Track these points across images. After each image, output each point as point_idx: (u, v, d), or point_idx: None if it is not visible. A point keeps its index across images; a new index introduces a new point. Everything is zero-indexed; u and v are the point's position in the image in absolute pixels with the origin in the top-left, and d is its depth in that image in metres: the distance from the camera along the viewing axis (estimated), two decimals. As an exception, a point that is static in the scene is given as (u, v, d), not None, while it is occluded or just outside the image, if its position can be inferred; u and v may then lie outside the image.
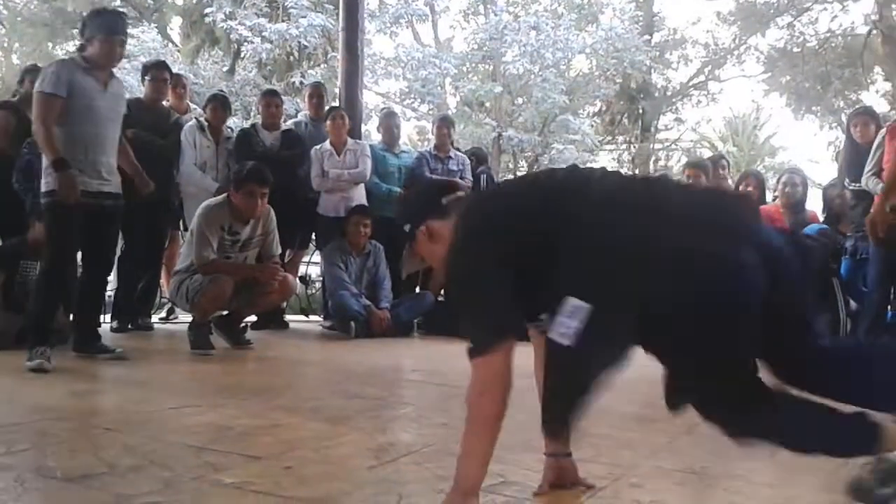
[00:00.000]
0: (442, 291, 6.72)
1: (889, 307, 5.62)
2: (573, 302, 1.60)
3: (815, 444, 1.79)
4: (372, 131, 13.84)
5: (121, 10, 4.24)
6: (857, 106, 10.49)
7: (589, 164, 18.71)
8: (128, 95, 4.87)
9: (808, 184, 6.97)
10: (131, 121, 5.51)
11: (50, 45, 20.35)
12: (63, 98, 3.87)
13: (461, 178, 6.76)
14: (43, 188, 3.94)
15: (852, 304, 5.73)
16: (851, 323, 5.69)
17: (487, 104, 19.21)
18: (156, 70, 5.90)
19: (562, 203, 1.73)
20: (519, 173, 18.43)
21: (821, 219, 6.48)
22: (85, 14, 4.18)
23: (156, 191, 5.62)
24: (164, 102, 6.03)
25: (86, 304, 4.29)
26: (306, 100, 7.03)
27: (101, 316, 4.69)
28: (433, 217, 1.93)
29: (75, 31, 20.09)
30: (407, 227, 2.01)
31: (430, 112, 17.82)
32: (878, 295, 5.57)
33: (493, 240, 1.73)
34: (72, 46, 19.79)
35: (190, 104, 6.61)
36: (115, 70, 4.23)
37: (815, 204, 6.95)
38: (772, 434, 1.76)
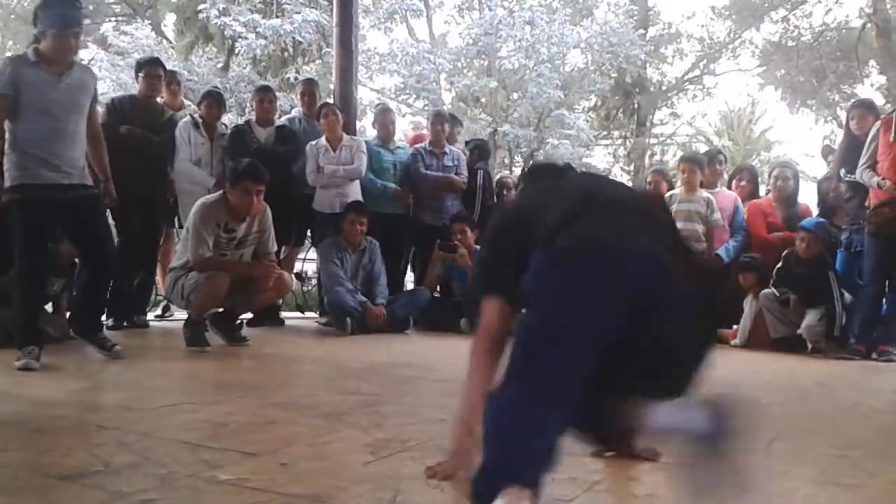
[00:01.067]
0: (437, 288, 6.73)
1: (884, 300, 5.64)
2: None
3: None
4: (367, 127, 13.83)
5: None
6: (853, 99, 10.49)
7: (585, 160, 18.77)
8: (121, 93, 4.83)
9: (799, 177, 6.99)
10: (125, 118, 5.54)
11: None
12: (9, 96, 3.78)
13: (456, 173, 6.76)
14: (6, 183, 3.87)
15: (847, 296, 5.74)
16: (847, 316, 5.71)
17: (483, 100, 19.20)
18: (149, 67, 5.88)
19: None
20: (515, 169, 18.45)
21: (814, 212, 6.49)
22: (36, 5, 4.01)
23: (151, 187, 5.66)
24: (159, 99, 6.01)
25: (86, 299, 4.25)
26: (298, 97, 7.02)
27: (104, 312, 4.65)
28: None
29: (69, 29, 20.07)
30: None
31: (426, 108, 17.79)
32: (873, 288, 5.59)
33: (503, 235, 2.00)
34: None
35: (184, 101, 6.60)
36: (83, 59, 4.16)
37: (809, 197, 6.96)
38: None
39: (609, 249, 1.69)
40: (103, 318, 4.68)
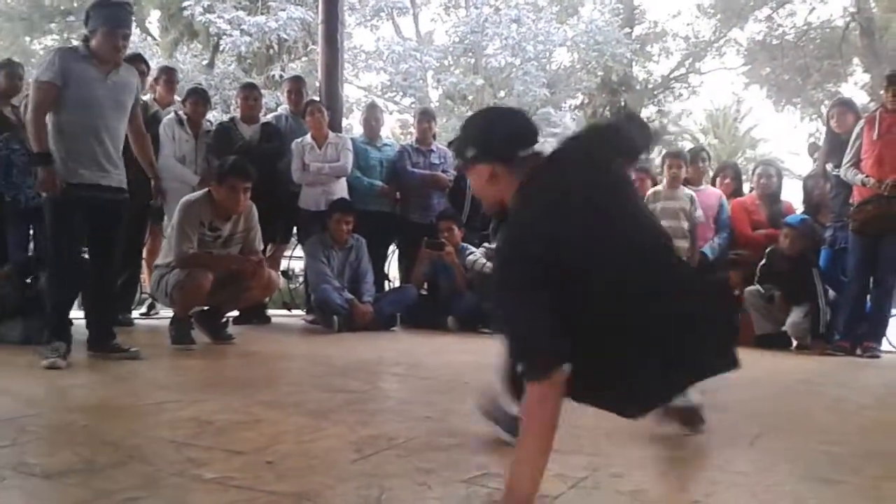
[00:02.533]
0: (425, 285, 6.73)
1: (868, 297, 5.68)
2: None
3: None
4: (354, 125, 13.81)
5: (126, 1, 4.09)
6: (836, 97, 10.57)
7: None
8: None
9: (782, 175, 7.03)
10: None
11: (28, 39, 20.16)
12: (57, 86, 3.79)
13: (443, 171, 6.76)
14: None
15: (831, 293, 5.78)
16: (831, 312, 5.75)
17: (469, 97, 19.20)
18: (132, 62, 5.81)
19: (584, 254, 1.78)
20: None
21: (798, 209, 6.53)
22: (89, 4, 4.04)
23: (134, 185, 5.61)
24: (146, 96, 5.97)
25: (94, 302, 4.22)
26: (285, 95, 7.00)
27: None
28: (503, 161, 1.95)
29: (53, 26, 19.95)
30: (470, 154, 2.01)
31: (412, 106, 17.77)
32: (857, 285, 5.63)
33: (530, 261, 1.74)
34: (50, 41, 19.64)
35: (176, 98, 6.59)
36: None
37: (794, 195, 7.00)
38: None
39: None
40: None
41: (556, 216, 1.81)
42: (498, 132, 2.01)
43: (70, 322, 4.00)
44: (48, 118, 3.85)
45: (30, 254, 5.16)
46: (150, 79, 6.20)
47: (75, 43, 4.76)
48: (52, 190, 3.79)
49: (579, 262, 1.76)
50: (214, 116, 6.34)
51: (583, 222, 1.82)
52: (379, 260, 6.57)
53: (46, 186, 3.80)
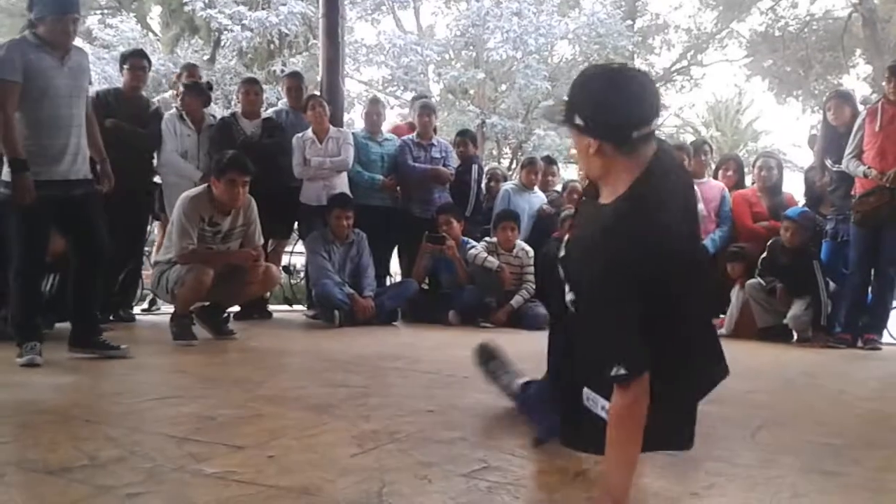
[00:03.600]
0: (426, 279, 6.73)
1: (869, 289, 5.67)
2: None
3: None
4: (356, 119, 13.80)
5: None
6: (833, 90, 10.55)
7: (574, 152, 18.75)
8: (106, 86, 4.77)
9: (783, 167, 7.02)
10: (111, 111, 5.50)
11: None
12: (19, 83, 3.61)
13: (444, 165, 6.76)
14: (4, 177, 3.71)
15: (832, 285, 5.78)
16: (833, 305, 5.74)
17: (471, 91, 19.18)
18: (133, 59, 5.83)
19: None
20: (503, 160, 18.45)
21: (800, 201, 6.52)
22: None
23: (136, 180, 5.62)
24: (167, 94, 5.96)
25: (78, 298, 4.05)
26: (285, 92, 7.00)
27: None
28: (615, 141, 1.77)
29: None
30: (577, 122, 1.80)
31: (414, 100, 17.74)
32: (858, 277, 5.63)
33: (637, 279, 1.70)
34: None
35: None
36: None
37: (795, 187, 6.99)
38: None
39: None
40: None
41: (667, 237, 1.75)
42: (615, 113, 1.77)
43: (40, 321, 3.93)
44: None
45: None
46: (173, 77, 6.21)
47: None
48: (26, 196, 3.62)
49: (665, 276, 1.74)
50: (216, 110, 6.33)
51: (679, 236, 1.81)
52: (380, 254, 6.55)
53: (20, 193, 3.62)
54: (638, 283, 1.68)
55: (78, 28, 3.94)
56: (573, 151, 2.09)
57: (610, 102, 1.77)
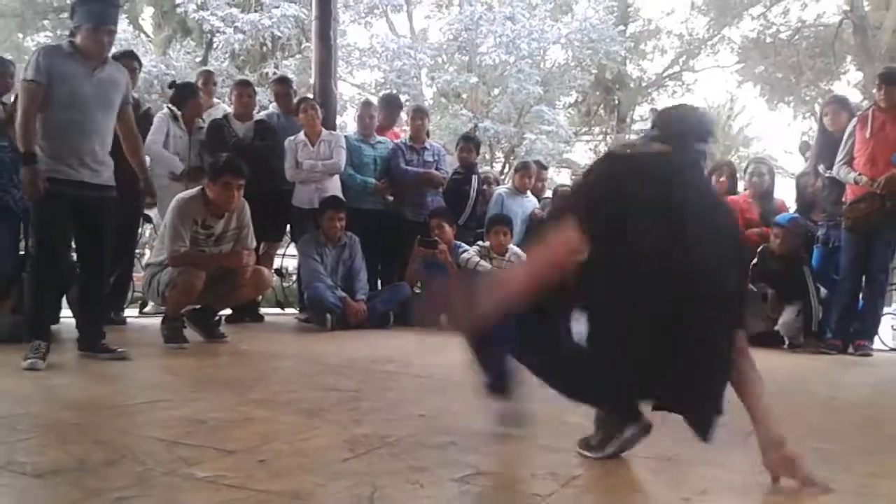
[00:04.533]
0: (418, 283, 6.72)
1: (860, 295, 5.69)
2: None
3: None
4: (348, 122, 13.78)
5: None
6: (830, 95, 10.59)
7: (566, 156, 18.79)
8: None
9: (775, 173, 7.04)
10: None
11: (20, 35, 20.05)
12: (42, 84, 3.76)
13: (437, 168, 6.75)
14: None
15: (823, 291, 5.80)
16: (823, 311, 5.76)
17: (463, 95, 19.17)
18: (123, 60, 5.75)
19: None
20: (495, 164, 18.46)
21: (791, 207, 6.54)
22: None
23: (127, 182, 5.59)
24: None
25: (83, 302, 4.15)
26: (274, 98, 7.01)
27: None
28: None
29: (46, 23, 19.85)
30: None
31: (406, 103, 17.74)
32: (849, 283, 5.65)
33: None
34: (43, 37, 19.53)
35: (215, 100, 6.65)
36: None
37: (786, 193, 7.01)
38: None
39: None
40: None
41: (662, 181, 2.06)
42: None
43: (52, 321, 3.97)
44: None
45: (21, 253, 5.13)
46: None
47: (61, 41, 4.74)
48: (33, 191, 3.75)
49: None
50: (209, 113, 6.32)
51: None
52: (372, 258, 6.54)
53: (28, 187, 3.76)
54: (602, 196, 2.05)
55: (113, 40, 4.06)
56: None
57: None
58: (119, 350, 4.01)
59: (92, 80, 3.90)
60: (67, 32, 4.06)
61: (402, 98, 18.43)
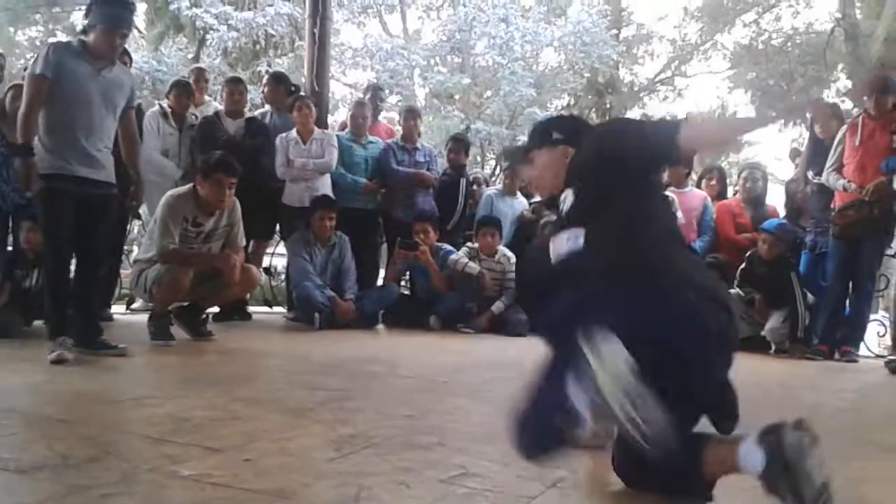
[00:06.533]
0: (407, 284, 6.73)
1: (847, 301, 5.72)
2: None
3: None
4: (340, 121, 13.72)
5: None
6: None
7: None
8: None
9: (768, 179, 7.07)
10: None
11: (12, 29, 19.95)
12: (48, 79, 3.77)
13: (428, 169, 6.75)
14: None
15: (810, 297, 5.82)
16: (810, 317, 5.78)
17: (456, 96, 19.16)
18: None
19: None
20: (486, 166, 18.46)
21: (781, 213, 6.57)
22: None
23: (118, 180, 5.58)
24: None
25: (80, 299, 4.11)
26: (265, 91, 7.00)
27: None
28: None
29: (38, 17, 19.75)
30: (558, 136, 2.20)
31: (399, 104, 17.72)
32: (836, 289, 5.68)
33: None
34: (35, 32, 19.46)
35: (207, 97, 6.62)
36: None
37: (777, 199, 7.04)
38: None
39: None
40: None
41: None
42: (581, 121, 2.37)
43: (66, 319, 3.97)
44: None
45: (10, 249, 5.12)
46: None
47: (64, 37, 4.74)
48: (29, 183, 3.76)
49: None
50: (200, 110, 6.31)
51: None
52: (362, 258, 6.54)
53: (25, 179, 3.77)
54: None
55: (124, 43, 4.13)
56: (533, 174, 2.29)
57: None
58: (120, 346, 4.01)
59: (98, 79, 3.91)
60: (79, 30, 4.02)
61: (395, 99, 18.52)
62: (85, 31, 3.94)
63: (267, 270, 7.07)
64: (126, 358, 3.96)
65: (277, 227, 6.70)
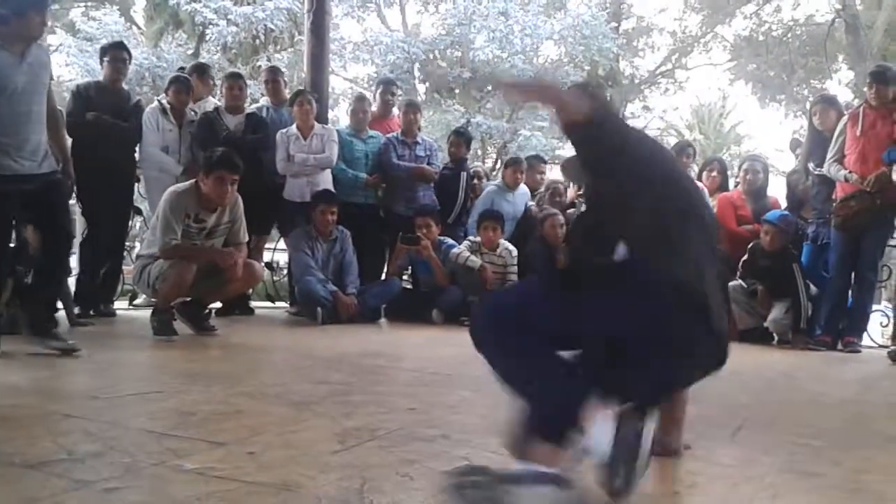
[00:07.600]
0: (410, 279, 6.73)
1: (849, 292, 5.72)
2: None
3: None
4: (340, 116, 13.74)
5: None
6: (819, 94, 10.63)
7: (558, 152, 18.80)
8: (88, 79, 4.72)
9: (769, 170, 7.05)
10: (91, 104, 5.45)
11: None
12: None
13: (428, 163, 6.74)
14: None
15: (813, 288, 5.82)
16: (812, 308, 5.78)
17: (456, 90, 19.14)
18: (114, 51, 5.78)
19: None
20: (487, 160, 18.46)
21: (783, 205, 6.55)
22: None
23: (119, 175, 5.59)
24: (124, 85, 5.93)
25: (39, 287, 3.96)
26: (264, 85, 6.98)
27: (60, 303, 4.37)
28: None
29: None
30: None
31: (399, 97, 17.69)
32: (839, 281, 5.68)
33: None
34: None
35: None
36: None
37: (779, 191, 7.03)
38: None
39: None
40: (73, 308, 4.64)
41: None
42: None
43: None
44: None
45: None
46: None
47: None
48: None
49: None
50: (200, 106, 6.30)
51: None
52: (363, 252, 6.53)
53: None
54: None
55: (46, 21, 3.88)
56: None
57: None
58: (70, 342, 3.81)
59: (22, 67, 3.71)
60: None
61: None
62: None
63: (269, 265, 7.06)
64: (129, 352, 3.98)
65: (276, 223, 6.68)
